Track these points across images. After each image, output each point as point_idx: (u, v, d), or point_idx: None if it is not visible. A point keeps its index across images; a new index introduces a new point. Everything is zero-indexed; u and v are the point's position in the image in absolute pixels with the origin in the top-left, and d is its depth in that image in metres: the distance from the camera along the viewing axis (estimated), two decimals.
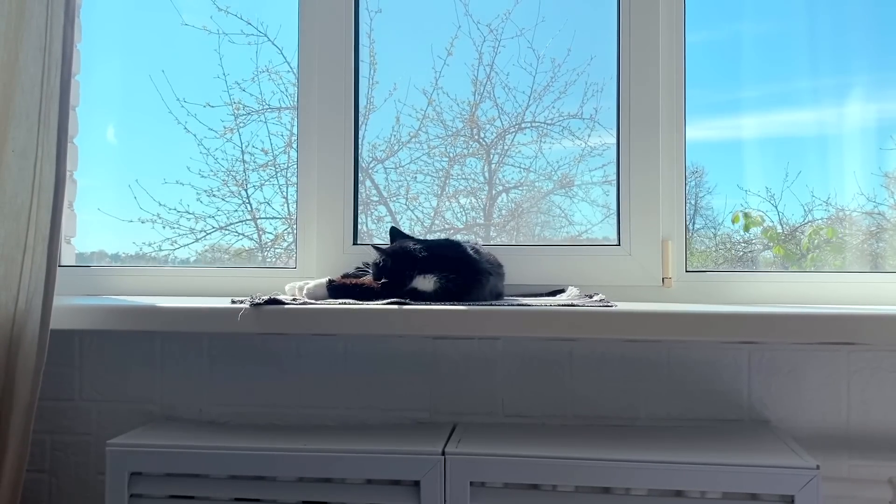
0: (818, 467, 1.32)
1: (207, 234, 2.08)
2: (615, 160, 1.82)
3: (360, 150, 1.92)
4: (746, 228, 1.92)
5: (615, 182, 1.82)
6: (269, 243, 2.11)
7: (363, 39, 1.93)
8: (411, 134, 2.00)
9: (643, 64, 1.78)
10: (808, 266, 1.89)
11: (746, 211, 1.90)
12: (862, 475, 1.58)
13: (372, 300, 1.52)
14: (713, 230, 1.97)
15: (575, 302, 1.54)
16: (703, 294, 1.75)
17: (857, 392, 1.60)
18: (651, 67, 1.78)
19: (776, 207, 1.91)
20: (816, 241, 1.90)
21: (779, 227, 1.92)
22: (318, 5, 1.88)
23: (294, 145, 1.94)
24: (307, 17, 1.89)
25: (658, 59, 1.78)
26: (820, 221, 1.89)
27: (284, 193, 2.06)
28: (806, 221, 1.91)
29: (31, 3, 1.52)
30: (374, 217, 2.01)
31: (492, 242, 1.94)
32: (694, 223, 1.95)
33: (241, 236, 2.10)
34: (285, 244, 2.07)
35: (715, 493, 1.35)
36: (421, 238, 1.66)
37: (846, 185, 1.86)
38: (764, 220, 1.91)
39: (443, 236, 1.89)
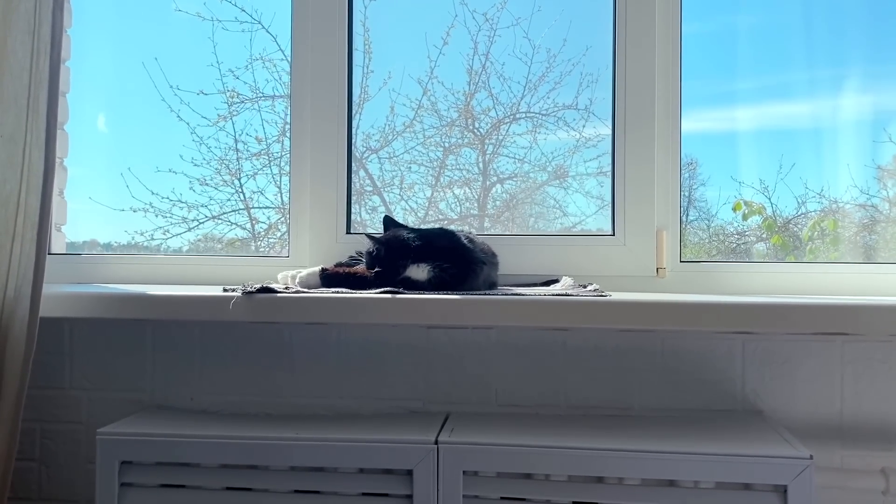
0: (811, 457, 1.32)
1: (200, 223, 2.07)
2: (610, 150, 1.82)
3: (354, 140, 1.91)
4: (746, 217, 1.91)
5: (610, 173, 1.82)
6: (263, 233, 2.10)
7: (357, 28, 1.92)
8: (406, 124, 1.99)
9: (639, 54, 1.77)
10: (808, 257, 1.89)
11: (747, 200, 1.90)
12: (854, 465, 1.58)
13: (365, 289, 1.51)
14: (707, 222, 1.97)
15: (569, 292, 1.54)
16: (697, 284, 1.75)
17: (851, 382, 1.61)
18: (647, 58, 1.77)
19: (770, 199, 1.91)
20: (816, 233, 1.89)
21: (773, 220, 1.92)
22: None
23: (288, 134, 1.93)
24: (300, 3, 1.88)
25: (654, 50, 1.77)
26: (813, 213, 1.89)
27: (278, 183, 2.05)
28: (799, 213, 1.91)
29: None
30: (368, 207, 2.01)
31: (486, 232, 1.94)
32: (687, 215, 1.94)
33: (233, 226, 2.09)
34: (279, 234, 2.06)
35: (708, 483, 1.35)
36: (415, 227, 1.65)
37: (840, 178, 1.86)
38: (765, 209, 1.90)
39: (437, 226, 1.89)
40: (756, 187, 1.90)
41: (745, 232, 1.96)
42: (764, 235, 1.94)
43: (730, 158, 1.94)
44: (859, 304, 1.40)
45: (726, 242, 1.98)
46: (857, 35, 1.87)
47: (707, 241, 1.98)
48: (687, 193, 1.92)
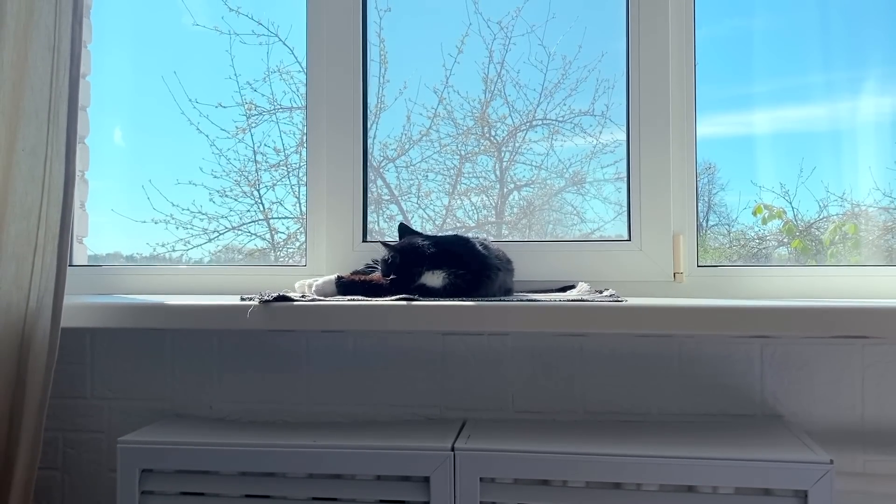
0: (832, 462, 1.30)
1: (220, 234, 2.09)
2: (626, 156, 1.81)
3: (370, 149, 1.92)
4: (766, 221, 1.89)
5: (626, 177, 1.81)
6: (282, 243, 2.11)
7: (373, 38, 1.93)
8: (422, 132, 2.00)
9: (653, 58, 1.77)
10: (829, 261, 1.87)
11: (767, 204, 1.88)
12: (877, 470, 1.56)
13: (381, 296, 1.52)
14: (727, 227, 1.96)
15: (585, 297, 1.53)
16: (714, 289, 1.74)
17: (872, 386, 1.58)
18: (661, 62, 1.77)
19: (791, 203, 1.89)
20: (838, 237, 1.87)
21: (794, 223, 1.90)
22: (325, 4, 1.89)
23: (306, 145, 1.95)
24: (314, 17, 1.90)
25: (668, 54, 1.77)
26: (836, 217, 1.87)
27: (296, 193, 2.06)
28: (821, 217, 1.89)
29: (39, 1, 1.53)
30: (385, 216, 2.02)
31: (503, 239, 1.94)
32: (708, 220, 1.93)
33: (253, 236, 2.10)
34: (297, 243, 2.07)
35: (727, 489, 1.34)
36: (430, 234, 1.66)
37: (861, 180, 1.84)
38: (785, 213, 1.88)
39: (452, 233, 1.89)
40: (777, 191, 1.89)
41: (766, 236, 1.94)
42: (785, 240, 1.92)
43: (749, 162, 1.93)
44: (879, 307, 1.38)
45: (747, 247, 1.96)
46: (875, 36, 1.86)
47: (728, 245, 1.97)
48: (706, 198, 1.91)
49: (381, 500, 1.44)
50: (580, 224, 1.97)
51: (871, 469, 1.56)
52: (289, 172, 2.08)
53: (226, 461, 1.48)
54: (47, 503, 1.83)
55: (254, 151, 2.07)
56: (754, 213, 1.89)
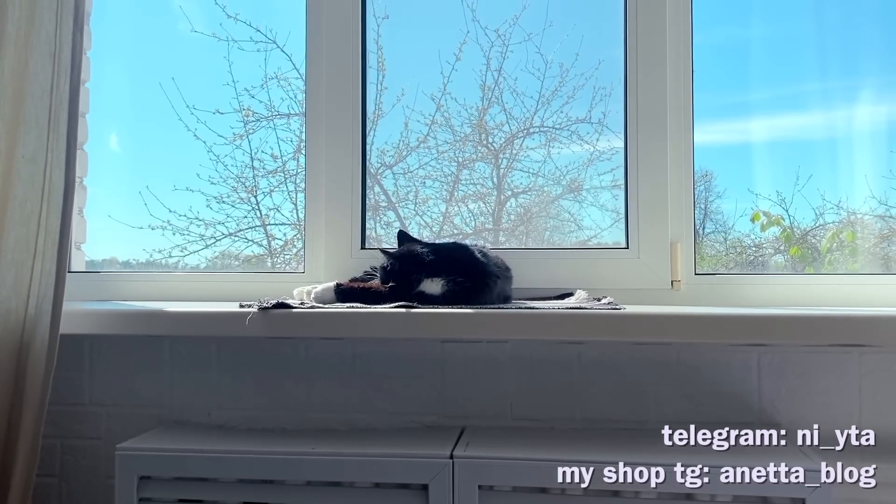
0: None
1: (217, 240, 2.09)
2: (623, 164, 1.82)
3: (368, 156, 1.93)
4: (764, 228, 1.90)
5: (623, 186, 1.82)
6: (279, 249, 2.11)
7: (371, 46, 1.93)
8: (420, 139, 2.00)
9: (650, 67, 1.78)
10: (827, 269, 1.87)
11: (766, 211, 1.89)
12: (875, 478, 1.56)
13: (380, 303, 1.52)
14: (723, 234, 1.96)
15: (583, 305, 1.54)
16: (712, 297, 1.74)
17: (869, 394, 1.59)
18: (658, 70, 1.77)
19: (787, 211, 1.90)
20: (835, 245, 1.88)
21: (790, 231, 1.91)
22: (324, 12, 1.89)
23: (303, 151, 1.95)
24: (314, 23, 1.90)
25: (665, 62, 1.77)
26: (832, 225, 1.88)
27: (294, 199, 2.06)
28: (817, 225, 1.90)
29: (40, 9, 1.53)
30: (383, 222, 2.02)
31: (500, 246, 1.94)
32: (704, 227, 1.94)
33: (250, 242, 2.10)
34: (294, 250, 2.07)
35: (725, 497, 1.34)
36: (428, 241, 1.66)
37: (857, 189, 1.85)
38: (782, 220, 1.89)
39: (450, 241, 1.89)
40: (773, 199, 1.89)
41: (763, 244, 1.94)
42: (782, 247, 1.93)
43: (745, 170, 1.94)
44: (876, 316, 1.39)
45: (744, 255, 1.97)
46: (872, 44, 1.87)
47: (724, 253, 1.98)
48: (703, 206, 1.92)
49: None
50: (577, 231, 1.97)
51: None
52: (286, 179, 2.08)
53: (224, 468, 1.48)
54: None
55: (251, 158, 2.07)
56: (752, 220, 1.90)
